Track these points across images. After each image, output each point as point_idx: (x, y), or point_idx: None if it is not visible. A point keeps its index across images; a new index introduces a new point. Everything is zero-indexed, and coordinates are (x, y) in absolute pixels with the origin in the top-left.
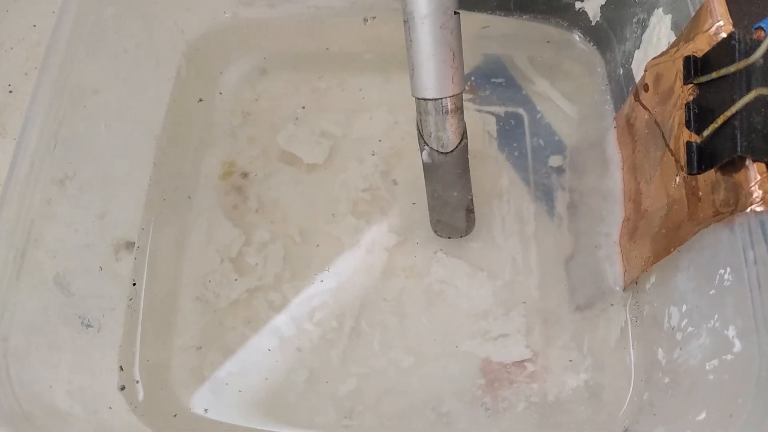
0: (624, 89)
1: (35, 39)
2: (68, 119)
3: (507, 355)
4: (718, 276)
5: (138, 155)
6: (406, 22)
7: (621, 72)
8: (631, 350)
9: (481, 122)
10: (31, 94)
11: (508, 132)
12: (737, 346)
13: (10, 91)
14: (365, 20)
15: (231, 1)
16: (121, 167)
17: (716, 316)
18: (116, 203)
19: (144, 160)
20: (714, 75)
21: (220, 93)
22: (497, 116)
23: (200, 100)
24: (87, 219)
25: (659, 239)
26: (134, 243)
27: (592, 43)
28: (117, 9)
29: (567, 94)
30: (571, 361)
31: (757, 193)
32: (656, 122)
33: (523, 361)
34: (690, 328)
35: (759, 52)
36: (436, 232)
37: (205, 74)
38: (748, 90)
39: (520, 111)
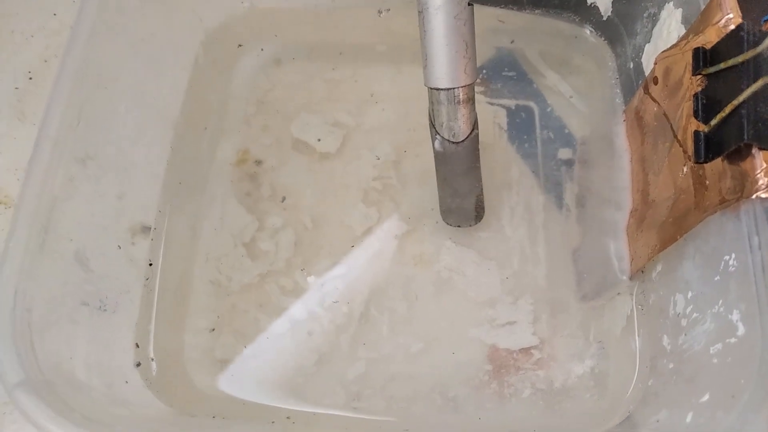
0: (634, 83)
1: (55, 27)
2: (90, 101)
3: (514, 342)
4: (723, 262)
5: (156, 140)
6: (420, 12)
7: (631, 66)
8: (637, 338)
9: (492, 115)
10: (55, 76)
11: (519, 124)
12: (740, 329)
13: (30, 78)
14: (379, 12)
15: None
16: (139, 150)
17: (720, 301)
18: (134, 185)
19: (161, 144)
20: (722, 65)
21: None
22: (508, 109)
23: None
24: (106, 199)
25: (666, 228)
26: (151, 225)
27: (603, 38)
28: None
29: (577, 87)
30: (577, 348)
31: (763, 180)
32: (665, 114)
33: (529, 348)
34: (695, 314)
35: (767, 42)
36: (445, 220)
37: (221, 63)
38: (756, 79)
39: (531, 104)
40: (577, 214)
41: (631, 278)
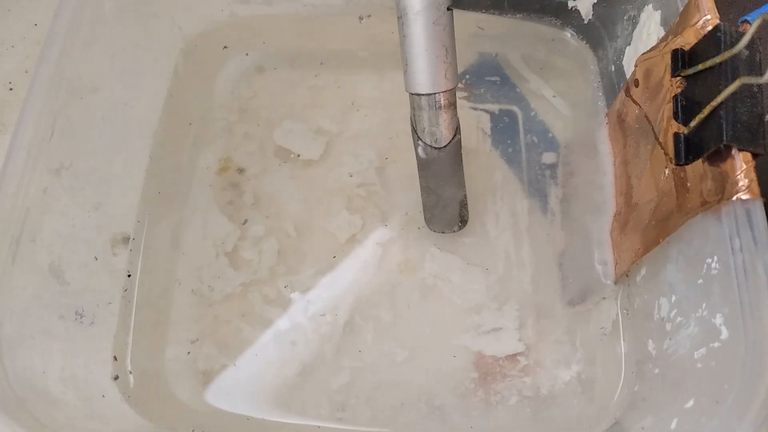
0: (615, 85)
1: (36, 37)
2: (65, 111)
3: (500, 349)
4: (705, 265)
5: (134, 149)
6: (399, 18)
7: (612, 69)
8: (622, 342)
9: (475, 120)
10: (28, 86)
11: (502, 129)
12: (724, 333)
13: (11, 89)
14: (360, 18)
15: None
16: (117, 160)
17: (704, 305)
18: (112, 195)
19: (140, 154)
20: (700, 67)
21: (214, 89)
22: (491, 114)
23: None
24: (83, 210)
25: (649, 231)
26: (130, 235)
27: (584, 41)
28: (115, 5)
29: (560, 91)
30: (563, 354)
31: (743, 182)
32: (646, 117)
33: (515, 354)
34: (679, 318)
35: (743, 42)
36: (429, 227)
37: (202, 71)
38: (734, 80)
39: (514, 109)
40: (562, 218)
41: (615, 282)
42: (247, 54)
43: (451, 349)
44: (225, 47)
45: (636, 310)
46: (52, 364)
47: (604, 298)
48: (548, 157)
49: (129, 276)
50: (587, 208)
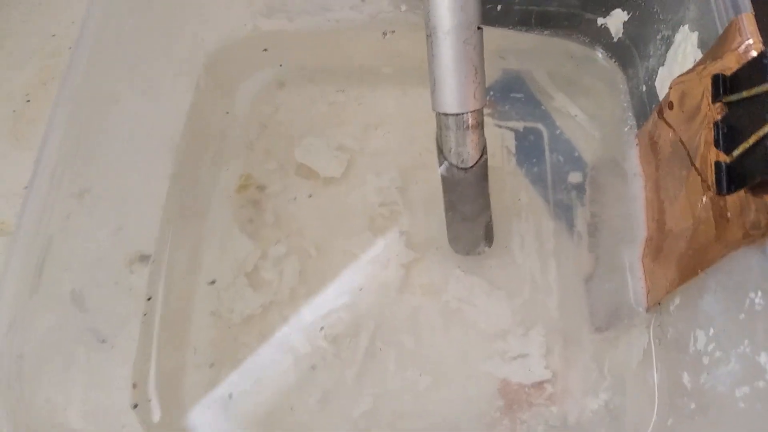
0: (647, 106)
1: (53, 49)
2: (88, 131)
3: (526, 376)
4: (748, 300)
5: (156, 167)
6: (428, 36)
7: (644, 89)
8: (655, 373)
9: (499, 138)
10: (51, 107)
11: (527, 148)
12: None
13: (28, 101)
14: (384, 34)
15: (250, 14)
16: (138, 179)
17: (746, 341)
18: (133, 216)
19: (162, 172)
20: (744, 94)
21: (235, 104)
22: (516, 132)
23: (227, 112)
24: (103, 233)
25: (685, 260)
26: (150, 256)
27: (614, 60)
28: (138, 21)
29: (587, 110)
30: (591, 382)
31: None
32: (681, 141)
33: (542, 382)
34: (717, 353)
35: None
36: (453, 248)
37: (223, 86)
38: None
39: (539, 126)
40: (589, 241)
41: (647, 310)
42: (268, 69)
43: (475, 376)
44: (247, 62)
45: (669, 340)
46: (74, 396)
47: (635, 325)
48: (575, 177)
49: (149, 299)
50: (616, 231)
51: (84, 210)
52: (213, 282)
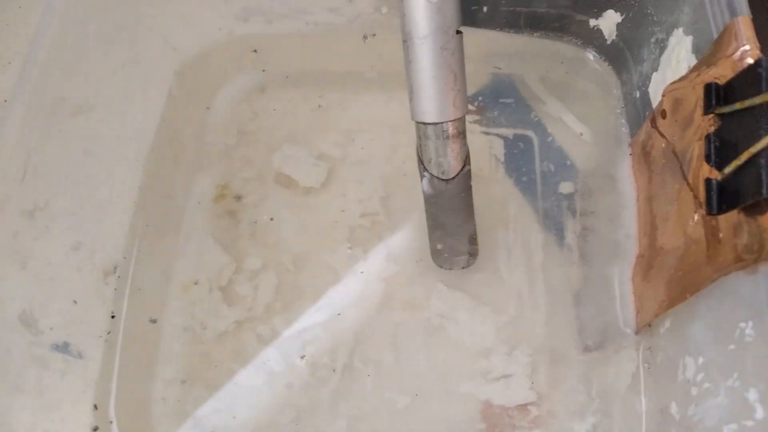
0: (640, 114)
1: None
2: (41, 145)
3: (509, 398)
4: (738, 330)
5: (122, 179)
6: (404, 42)
7: (638, 95)
8: (643, 399)
9: (488, 145)
10: None
11: (517, 156)
12: (759, 412)
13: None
14: (365, 37)
15: (226, 18)
16: (101, 193)
17: (736, 374)
18: (94, 232)
19: (129, 183)
20: (738, 106)
21: (212, 111)
22: (505, 139)
23: (203, 120)
24: (60, 251)
25: (675, 282)
26: (114, 272)
27: (607, 63)
28: (100, 27)
29: (580, 116)
30: (578, 404)
31: None
32: (674, 152)
33: (526, 404)
34: (706, 384)
35: None
36: (436, 262)
37: (199, 92)
38: None
39: (530, 133)
40: (579, 255)
41: (636, 332)
42: (247, 74)
43: (456, 396)
44: (224, 67)
45: (659, 366)
46: (21, 421)
47: (624, 347)
48: (566, 187)
49: (113, 317)
50: (607, 245)
51: (35, 228)
52: (196, 282)
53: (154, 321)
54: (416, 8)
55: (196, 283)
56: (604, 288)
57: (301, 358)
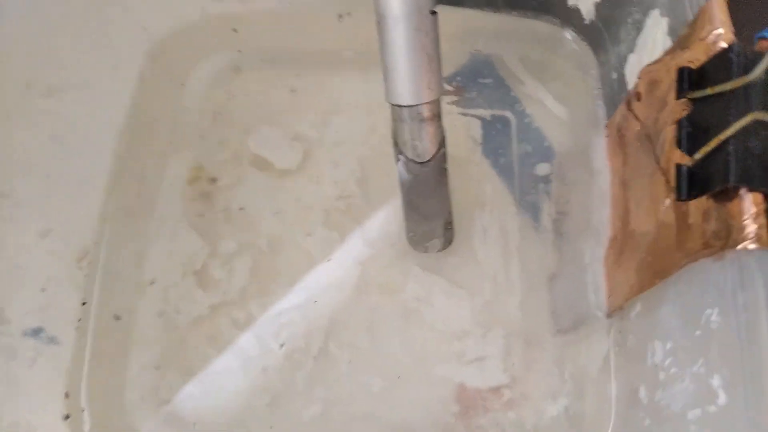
0: (617, 96)
1: None
2: (6, 129)
3: (483, 381)
4: (704, 316)
5: (92, 163)
6: (378, 23)
7: (615, 76)
8: (613, 381)
9: (465, 126)
10: None
11: (494, 137)
12: (721, 398)
13: None
14: (340, 17)
15: None
16: (70, 178)
17: (701, 360)
18: (63, 218)
19: (99, 168)
20: (709, 91)
21: (185, 92)
22: (483, 120)
23: (176, 102)
24: (27, 238)
25: (645, 267)
26: (84, 258)
27: (585, 43)
28: (69, 7)
29: (558, 96)
30: (551, 386)
31: (751, 228)
32: (648, 135)
33: (500, 387)
34: (673, 369)
35: (758, 70)
36: (411, 245)
37: (172, 74)
38: (746, 111)
39: (508, 114)
40: (555, 237)
41: (608, 316)
42: (222, 54)
43: (431, 379)
44: (197, 48)
45: (629, 349)
46: None
47: (596, 330)
48: (542, 169)
49: (84, 304)
50: (582, 228)
51: (0, 215)
52: (153, 282)
53: (126, 308)
54: None
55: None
56: (578, 272)
57: (279, 345)
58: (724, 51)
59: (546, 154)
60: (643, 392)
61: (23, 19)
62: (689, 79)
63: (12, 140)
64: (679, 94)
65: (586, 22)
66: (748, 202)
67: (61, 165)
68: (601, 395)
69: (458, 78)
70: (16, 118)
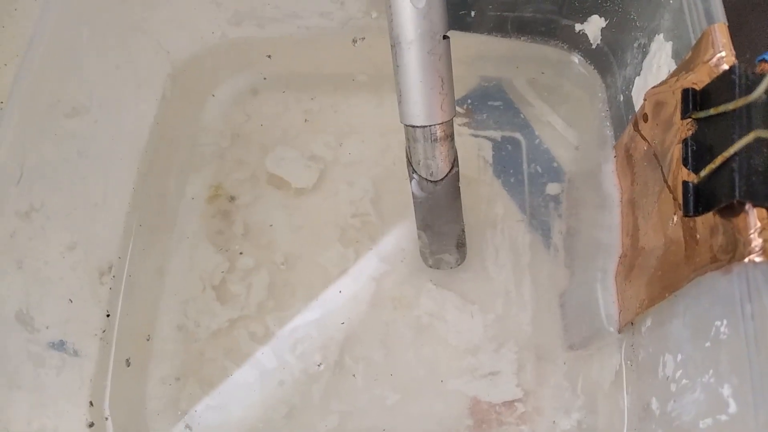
0: (624, 117)
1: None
2: (37, 147)
3: (496, 395)
4: (714, 328)
5: (117, 180)
6: (392, 47)
7: (621, 99)
8: (625, 395)
9: (476, 147)
10: None
11: (505, 158)
12: (732, 406)
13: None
14: (354, 41)
15: (219, 22)
16: (96, 194)
17: (711, 371)
18: (90, 232)
19: (124, 184)
20: (712, 111)
21: (205, 113)
22: (494, 141)
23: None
24: (55, 250)
25: (654, 281)
26: (109, 271)
27: (592, 67)
28: (93, 30)
29: (567, 118)
30: (563, 401)
31: (757, 242)
32: (655, 155)
33: (513, 401)
34: (684, 380)
35: (759, 90)
36: (425, 262)
37: (193, 95)
38: (749, 129)
39: (518, 136)
40: (565, 255)
41: (619, 331)
42: (240, 77)
43: (445, 393)
44: (217, 70)
45: (640, 363)
46: (18, 416)
47: (607, 345)
48: (553, 188)
49: (108, 316)
50: (592, 246)
51: (31, 229)
52: (173, 296)
53: (147, 321)
54: (403, 14)
55: (189, 282)
56: (589, 288)
57: (295, 358)
58: (727, 73)
59: (556, 174)
60: (655, 404)
61: (55, 40)
62: (693, 100)
63: (42, 157)
64: (684, 114)
65: (593, 46)
66: (754, 217)
67: (88, 180)
68: (613, 408)
69: (469, 101)
70: (45, 135)
